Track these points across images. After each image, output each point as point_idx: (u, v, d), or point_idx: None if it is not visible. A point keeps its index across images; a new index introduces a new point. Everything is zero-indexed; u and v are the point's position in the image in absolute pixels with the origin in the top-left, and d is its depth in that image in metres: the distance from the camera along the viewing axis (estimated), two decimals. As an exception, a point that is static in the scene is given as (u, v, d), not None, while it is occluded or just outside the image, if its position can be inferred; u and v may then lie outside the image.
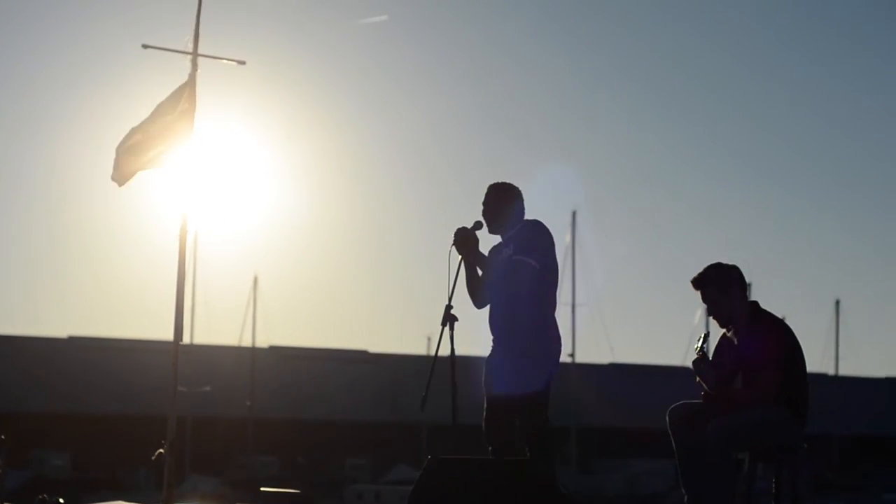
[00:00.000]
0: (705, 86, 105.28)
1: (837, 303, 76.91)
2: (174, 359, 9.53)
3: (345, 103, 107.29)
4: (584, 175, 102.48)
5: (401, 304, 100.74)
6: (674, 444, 8.26)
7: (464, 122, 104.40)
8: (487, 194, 8.86)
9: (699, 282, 8.36)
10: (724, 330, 8.41)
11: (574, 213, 66.86)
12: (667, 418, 8.28)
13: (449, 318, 8.48)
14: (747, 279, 8.51)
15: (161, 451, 9.45)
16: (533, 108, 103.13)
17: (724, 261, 8.44)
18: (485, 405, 8.75)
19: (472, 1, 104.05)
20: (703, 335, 8.41)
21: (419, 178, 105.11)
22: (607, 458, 70.25)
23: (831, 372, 76.06)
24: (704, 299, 8.34)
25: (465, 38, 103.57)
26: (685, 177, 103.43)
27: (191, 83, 9.58)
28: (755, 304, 8.35)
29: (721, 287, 8.29)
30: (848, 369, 77.71)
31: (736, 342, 8.27)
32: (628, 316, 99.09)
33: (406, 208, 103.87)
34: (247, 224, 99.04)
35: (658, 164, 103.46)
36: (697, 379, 8.31)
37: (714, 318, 8.38)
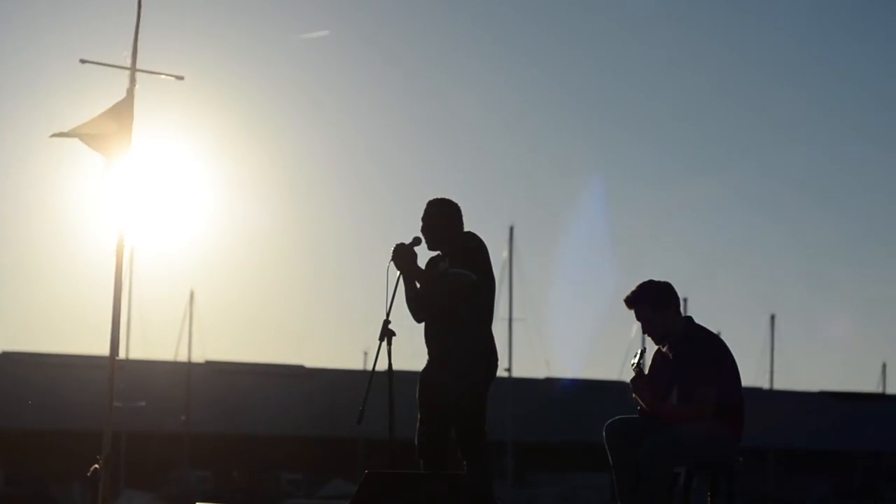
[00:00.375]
0: (643, 99, 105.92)
1: (772, 317, 77.47)
2: (110, 374, 9.47)
3: (283, 119, 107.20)
4: (521, 190, 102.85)
5: (337, 319, 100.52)
6: (610, 459, 8.29)
7: (403, 137, 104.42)
8: (426, 210, 8.84)
9: (632, 300, 8.40)
10: (659, 346, 8.46)
11: (511, 228, 66.99)
12: (603, 433, 8.32)
13: (387, 333, 8.48)
14: (682, 294, 8.59)
15: (96, 466, 9.38)
16: (472, 123, 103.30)
17: (660, 276, 8.49)
18: (418, 419, 8.77)
19: (412, 17, 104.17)
20: (639, 351, 8.43)
21: (357, 194, 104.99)
22: (544, 471, 70.35)
23: (766, 386, 76.53)
24: (638, 317, 8.38)
25: (406, 54, 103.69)
26: (620, 191, 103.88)
27: (129, 98, 9.54)
28: (689, 319, 8.40)
29: (654, 304, 8.33)
30: (783, 383, 78.26)
31: (671, 357, 8.32)
32: (564, 331, 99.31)
33: (344, 224, 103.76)
34: (183, 239, 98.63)
35: (593, 178, 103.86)
36: (634, 395, 8.36)
37: (648, 335, 8.41)
